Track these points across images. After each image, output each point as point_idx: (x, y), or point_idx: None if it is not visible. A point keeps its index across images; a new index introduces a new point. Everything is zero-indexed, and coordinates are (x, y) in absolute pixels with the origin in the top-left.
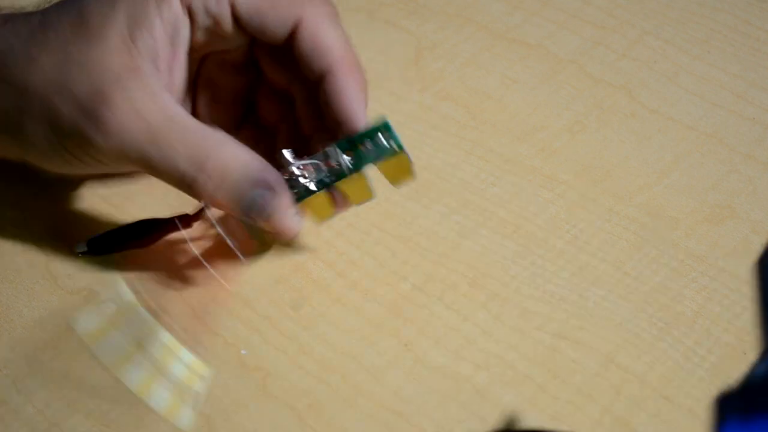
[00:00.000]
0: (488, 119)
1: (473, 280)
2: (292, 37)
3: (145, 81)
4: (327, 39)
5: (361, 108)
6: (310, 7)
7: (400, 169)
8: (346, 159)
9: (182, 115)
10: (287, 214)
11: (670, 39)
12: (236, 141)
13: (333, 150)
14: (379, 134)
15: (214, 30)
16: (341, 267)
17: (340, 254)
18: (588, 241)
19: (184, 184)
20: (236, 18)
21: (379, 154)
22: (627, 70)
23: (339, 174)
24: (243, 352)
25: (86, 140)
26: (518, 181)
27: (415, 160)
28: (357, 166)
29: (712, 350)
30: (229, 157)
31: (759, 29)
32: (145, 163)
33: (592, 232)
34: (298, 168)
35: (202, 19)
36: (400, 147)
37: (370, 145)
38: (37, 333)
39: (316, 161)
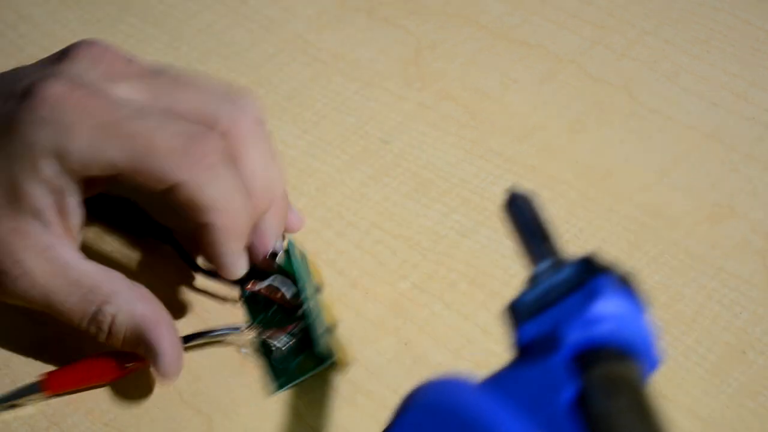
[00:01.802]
0: (488, 119)
1: (473, 279)
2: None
3: (34, 242)
4: (205, 199)
5: (237, 262)
6: (189, 163)
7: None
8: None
9: (77, 271)
10: (168, 372)
11: (670, 39)
12: (128, 285)
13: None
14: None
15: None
16: (341, 266)
17: (340, 253)
18: (588, 240)
19: (79, 328)
20: (117, 174)
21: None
22: (627, 70)
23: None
24: (243, 351)
25: None
26: (518, 180)
27: (415, 159)
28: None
29: (711, 349)
30: (113, 312)
31: (759, 29)
32: (45, 311)
33: (592, 232)
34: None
35: (86, 176)
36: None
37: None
38: (37, 333)
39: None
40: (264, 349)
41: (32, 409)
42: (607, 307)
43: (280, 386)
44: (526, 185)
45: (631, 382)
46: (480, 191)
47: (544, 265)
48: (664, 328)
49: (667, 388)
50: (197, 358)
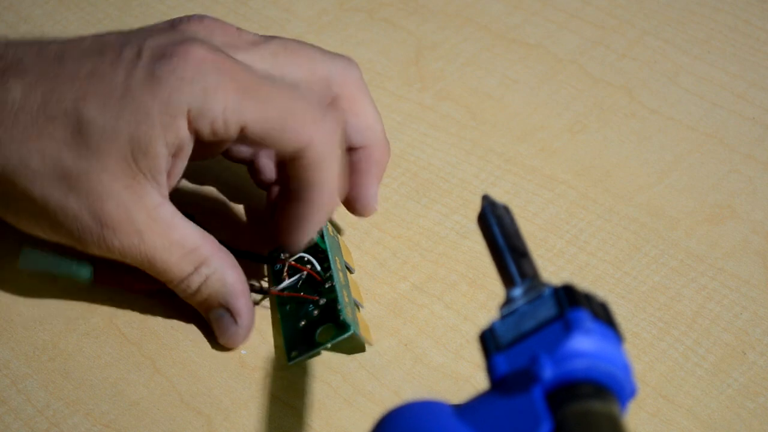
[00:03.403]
0: (488, 119)
1: (473, 280)
2: (296, 157)
3: (147, 201)
4: (324, 173)
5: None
6: (320, 130)
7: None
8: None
9: (180, 231)
10: (237, 340)
11: (670, 39)
12: (221, 250)
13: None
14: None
15: (220, 144)
16: None
17: None
18: (588, 240)
19: (170, 284)
20: (244, 136)
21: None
22: (627, 70)
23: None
24: (243, 352)
25: (85, 248)
26: (518, 181)
27: (415, 159)
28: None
29: (711, 350)
30: (207, 273)
31: (759, 29)
32: (140, 267)
33: (591, 232)
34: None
35: (208, 139)
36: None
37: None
38: (37, 333)
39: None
40: (287, 320)
41: (33, 411)
42: (583, 342)
43: (300, 354)
44: (526, 185)
45: (606, 419)
46: (480, 192)
47: (519, 289)
48: (664, 328)
49: (667, 388)
50: (197, 359)
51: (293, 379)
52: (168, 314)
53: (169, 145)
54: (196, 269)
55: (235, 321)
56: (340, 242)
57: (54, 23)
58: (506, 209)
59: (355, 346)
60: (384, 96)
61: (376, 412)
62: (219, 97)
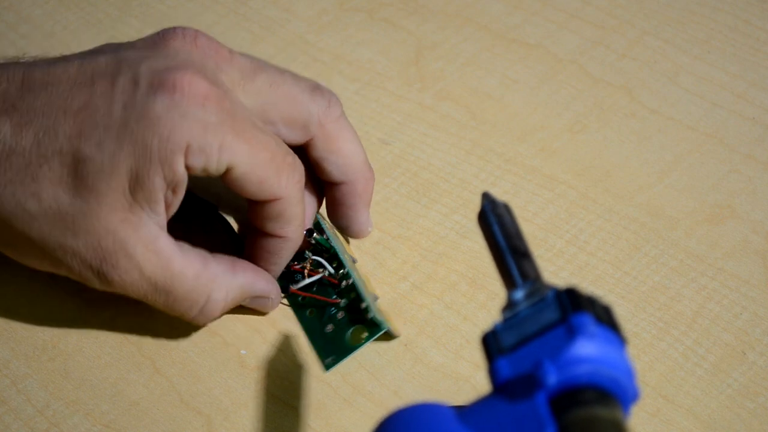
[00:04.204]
0: (488, 119)
1: (473, 280)
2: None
3: (144, 233)
4: (295, 210)
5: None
6: (292, 178)
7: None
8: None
9: (180, 262)
10: (275, 305)
11: (670, 39)
12: (217, 261)
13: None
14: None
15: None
16: None
17: None
18: (588, 240)
19: (183, 318)
20: (226, 177)
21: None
22: (627, 70)
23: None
24: (243, 352)
25: (88, 284)
26: (518, 180)
27: (415, 159)
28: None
29: (711, 350)
30: (222, 296)
31: (759, 29)
32: (146, 303)
33: (591, 232)
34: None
35: (196, 174)
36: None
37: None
38: (37, 333)
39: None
40: (311, 327)
41: (33, 411)
42: (587, 347)
43: (336, 361)
44: (526, 185)
45: (611, 425)
46: (480, 192)
47: (521, 291)
48: (664, 328)
49: (667, 388)
50: (197, 359)
51: (293, 379)
52: (168, 314)
53: (167, 179)
54: (208, 297)
55: (267, 298)
56: (338, 235)
57: (54, 23)
58: (507, 208)
59: (386, 338)
60: (384, 96)
61: (376, 412)
62: (218, 134)
